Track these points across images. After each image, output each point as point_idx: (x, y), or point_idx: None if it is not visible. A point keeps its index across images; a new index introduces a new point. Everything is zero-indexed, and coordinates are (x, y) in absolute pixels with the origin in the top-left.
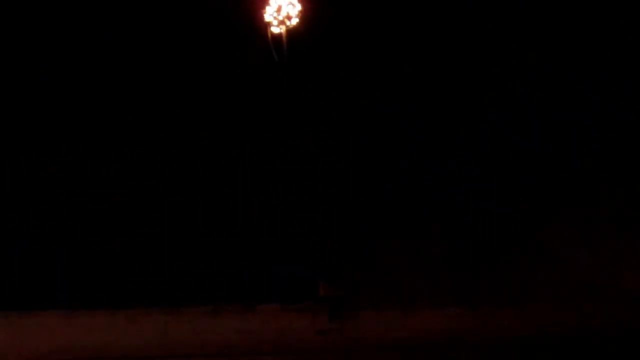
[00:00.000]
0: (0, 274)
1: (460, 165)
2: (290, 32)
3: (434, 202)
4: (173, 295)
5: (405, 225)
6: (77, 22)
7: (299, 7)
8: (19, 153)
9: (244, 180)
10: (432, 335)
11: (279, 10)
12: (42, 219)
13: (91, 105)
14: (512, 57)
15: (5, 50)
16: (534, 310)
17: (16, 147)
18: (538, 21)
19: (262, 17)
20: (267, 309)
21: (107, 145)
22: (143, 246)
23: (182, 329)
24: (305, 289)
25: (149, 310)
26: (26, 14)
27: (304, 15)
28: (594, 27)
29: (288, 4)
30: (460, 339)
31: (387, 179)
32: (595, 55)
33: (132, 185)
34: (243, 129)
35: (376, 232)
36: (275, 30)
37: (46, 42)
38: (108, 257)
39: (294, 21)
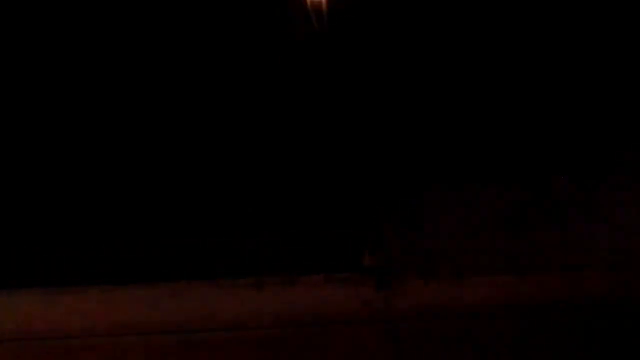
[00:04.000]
0: (30, 249)
1: (515, 122)
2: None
3: (485, 162)
4: (215, 268)
5: (453, 189)
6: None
7: None
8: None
9: (283, 150)
10: (484, 304)
11: None
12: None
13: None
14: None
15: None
16: (588, 277)
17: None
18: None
19: None
20: (311, 280)
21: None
22: (184, 219)
23: (224, 302)
24: (349, 258)
25: (190, 284)
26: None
27: None
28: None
29: None
30: (513, 307)
31: (435, 139)
32: None
33: (181, 159)
34: (285, 95)
35: (423, 197)
36: None
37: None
38: (148, 230)
39: None
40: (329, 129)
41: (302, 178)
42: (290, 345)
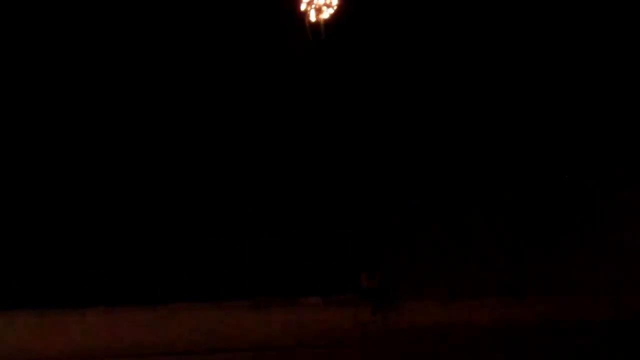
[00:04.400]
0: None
1: (505, 148)
2: (328, 20)
3: (476, 188)
4: (214, 290)
5: (446, 214)
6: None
7: None
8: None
9: (281, 172)
10: (476, 325)
11: None
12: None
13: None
14: None
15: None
16: (577, 299)
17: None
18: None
19: (299, 6)
20: (309, 302)
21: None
22: (183, 241)
23: (224, 323)
24: (346, 281)
25: (190, 305)
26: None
27: (342, 3)
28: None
29: None
30: (507, 328)
31: (428, 165)
32: None
33: (172, 177)
34: (282, 112)
35: (417, 222)
36: (312, 18)
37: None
38: (147, 253)
39: (331, 10)
40: (327, 150)
41: (302, 200)
42: None
